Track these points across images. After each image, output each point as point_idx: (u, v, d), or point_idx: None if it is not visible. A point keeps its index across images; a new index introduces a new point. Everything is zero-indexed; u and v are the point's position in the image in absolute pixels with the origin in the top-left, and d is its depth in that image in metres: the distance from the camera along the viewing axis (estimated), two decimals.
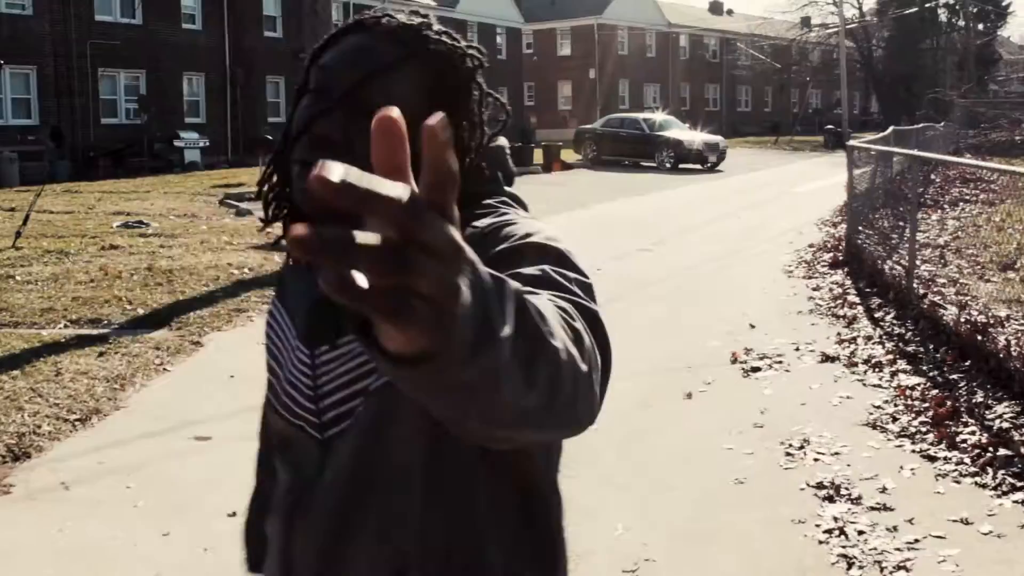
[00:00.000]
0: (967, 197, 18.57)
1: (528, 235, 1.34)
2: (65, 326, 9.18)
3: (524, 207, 1.53)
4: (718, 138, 35.75)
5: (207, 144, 35.48)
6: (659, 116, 38.06)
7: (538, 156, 33.15)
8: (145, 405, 7.01)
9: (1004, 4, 63.97)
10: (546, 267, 1.24)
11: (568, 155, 34.93)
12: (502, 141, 1.56)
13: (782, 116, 69.86)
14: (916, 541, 4.73)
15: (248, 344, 7.91)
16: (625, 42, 65.17)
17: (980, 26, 55.90)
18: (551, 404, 0.97)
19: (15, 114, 31.86)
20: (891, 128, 18.05)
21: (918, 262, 11.26)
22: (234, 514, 4.48)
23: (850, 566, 4.52)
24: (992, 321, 7.77)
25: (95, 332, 8.95)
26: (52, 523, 5.05)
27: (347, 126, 1.38)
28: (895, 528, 4.87)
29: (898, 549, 4.65)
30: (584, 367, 1.02)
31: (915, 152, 12.05)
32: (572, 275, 1.23)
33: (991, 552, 4.64)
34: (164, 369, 7.91)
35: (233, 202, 20.75)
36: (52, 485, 5.55)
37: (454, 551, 1.42)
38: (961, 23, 62.03)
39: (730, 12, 79.53)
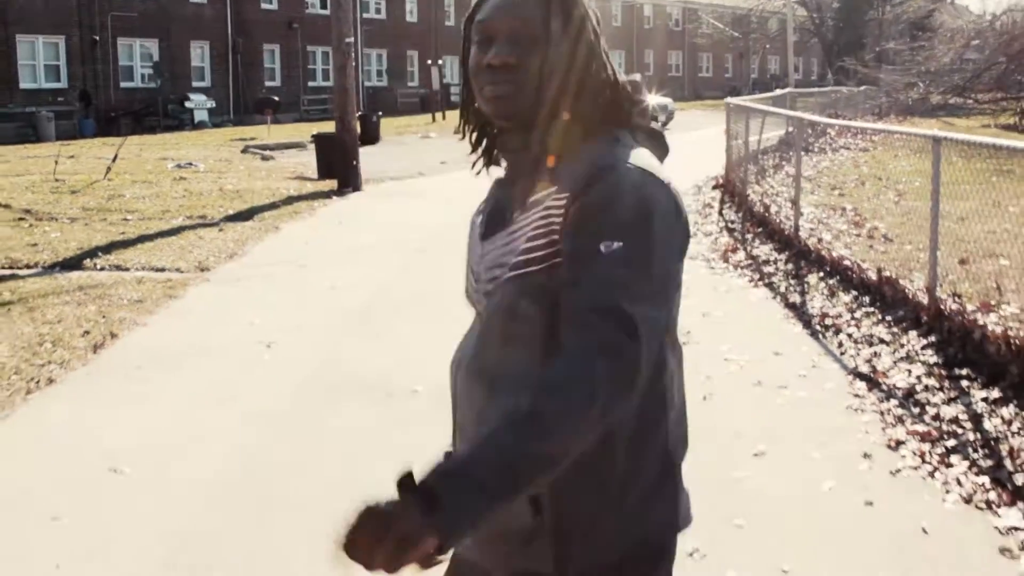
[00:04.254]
0: (848, 146, 23.25)
1: (611, 203, 1.66)
2: (184, 220, 13.71)
3: (656, 140, 1.88)
4: (667, 100, 40.27)
5: (213, 105, 39.90)
6: None
7: None
8: (260, 253, 11.63)
9: None
10: (611, 250, 1.63)
11: None
12: (635, 77, 1.85)
13: (741, 81, 74.67)
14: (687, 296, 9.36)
15: (307, 229, 12.62)
16: None
17: None
18: (579, 444, 1.51)
19: (47, 78, 36.11)
20: (788, 89, 22.53)
21: (767, 183, 15.91)
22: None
23: None
24: (779, 208, 12.44)
25: (207, 222, 13.51)
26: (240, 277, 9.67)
27: (515, 53, 1.78)
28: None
29: None
30: (595, 410, 1.49)
31: (749, 104, 16.62)
32: (633, 267, 1.62)
33: (722, 297, 9.29)
34: (262, 240, 12.49)
35: (256, 150, 25.25)
36: (230, 279, 10.15)
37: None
38: None
39: None
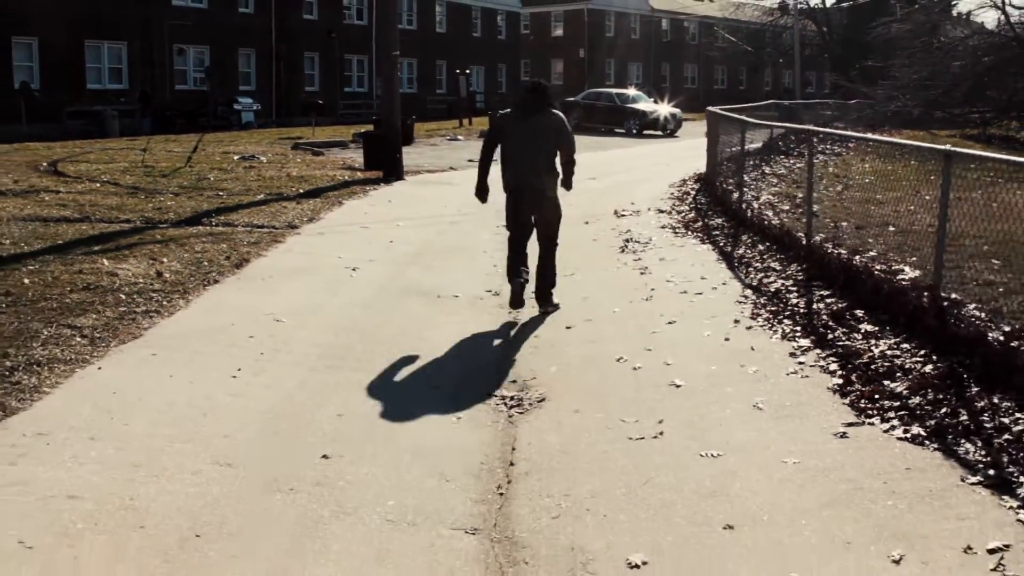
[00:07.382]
0: (825, 151, 26.52)
1: (562, 118, 9.61)
2: (265, 196, 17.15)
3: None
4: (676, 110, 43.64)
5: (259, 108, 43.49)
6: (631, 91, 46.04)
7: None
8: (332, 218, 15.07)
9: None
10: (564, 125, 9.57)
11: None
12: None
13: (756, 94, 77.93)
14: (647, 243, 12.73)
15: (364, 205, 16.06)
16: (612, 25, 73.11)
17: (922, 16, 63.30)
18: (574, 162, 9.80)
19: (110, 80, 39.81)
20: (772, 100, 25.77)
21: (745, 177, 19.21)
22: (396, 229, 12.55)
23: (626, 243, 12.50)
24: (733, 189, 15.80)
25: (284, 197, 16.96)
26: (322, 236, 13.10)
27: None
28: (646, 243, 12.88)
29: (642, 244, 12.65)
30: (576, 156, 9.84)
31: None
32: (569, 127, 9.72)
33: (677, 250, 12.63)
34: (331, 210, 15.92)
35: (306, 147, 28.73)
36: (314, 233, 13.56)
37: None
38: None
39: None
